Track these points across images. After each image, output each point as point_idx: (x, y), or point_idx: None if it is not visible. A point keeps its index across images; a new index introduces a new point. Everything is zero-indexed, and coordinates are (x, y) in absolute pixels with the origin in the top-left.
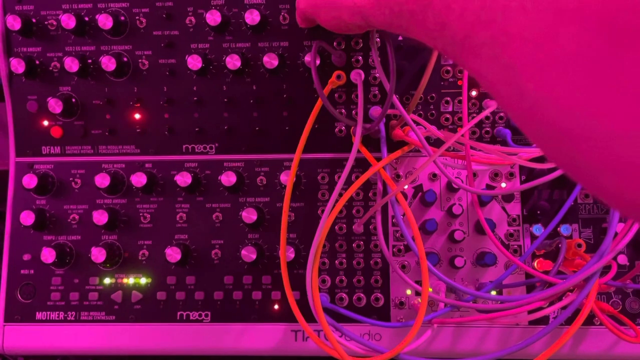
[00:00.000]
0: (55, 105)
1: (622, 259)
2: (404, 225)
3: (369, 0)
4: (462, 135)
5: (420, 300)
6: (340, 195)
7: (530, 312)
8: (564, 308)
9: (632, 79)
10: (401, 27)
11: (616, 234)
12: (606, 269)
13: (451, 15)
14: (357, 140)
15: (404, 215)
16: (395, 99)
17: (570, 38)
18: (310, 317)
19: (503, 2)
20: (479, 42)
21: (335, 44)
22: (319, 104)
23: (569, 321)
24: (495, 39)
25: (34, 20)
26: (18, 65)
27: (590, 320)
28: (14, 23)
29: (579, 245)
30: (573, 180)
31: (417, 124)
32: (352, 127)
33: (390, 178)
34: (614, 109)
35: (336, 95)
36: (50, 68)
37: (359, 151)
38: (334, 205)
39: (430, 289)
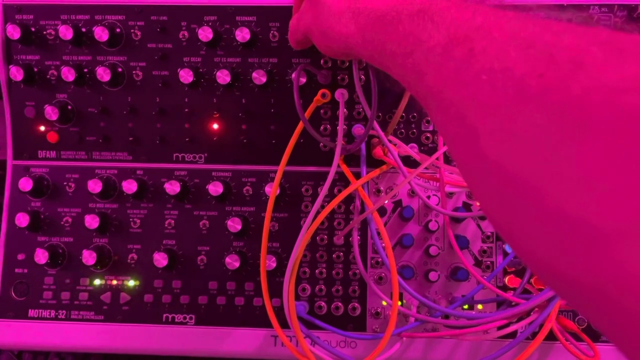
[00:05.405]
0: (51, 112)
1: None
2: (379, 243)
3: (355, 33)
4: (437, 159)
5: None
6: (322, 207)
7: (499, 328)
8: (530, 324)
9: (573, 165)
10: (381, 64)
11: None
12: None
13: (429, 68)
14: (336, 160)
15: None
16: (375, 124)
17: (528, 117)
18: (288, 324)
19: (476, 72)
20: (450, 100)
21: (322, 62)
22: (302, 123)
23: (535, 336)
24: (464, 102)
25: (33, 30)
26: (17, 73)
27: (555, 336)
28: (14, 32)
29: None
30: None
31: (395, 144)
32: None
33: (367, 196)
34: (553, 190)
35: (322, 111)
36: (48, 76)
37: (340, 166)
38: (313, 219)
39: (404, 302)
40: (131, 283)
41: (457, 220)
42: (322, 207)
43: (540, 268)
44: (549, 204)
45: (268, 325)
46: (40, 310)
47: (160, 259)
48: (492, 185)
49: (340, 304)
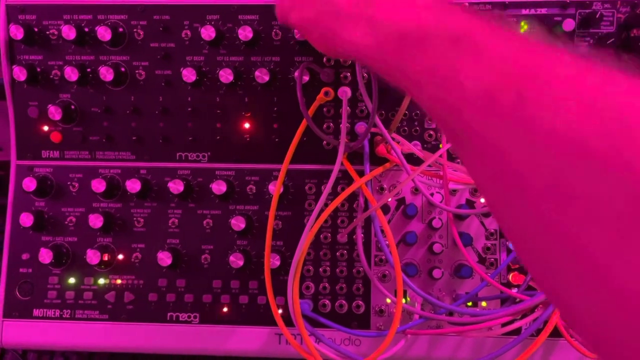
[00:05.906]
0: (55, 112)
1: None
2: (382, 240)
3: (372, 45)
4: (440, 156)
5: None
6: (326, 205)
7: (503, 325)
8: (534, 320)
9: None
10: (398, 81)
11: None
12: None
13: (468, 107)
14: (339, 158)
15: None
16: (378, 121)
17: (591, 184)
18: (293, 322)
19: (528, 121)
20: (490, 144)
21: (325, 60)
22: (305, 122)
23: (539, 332)
24: (510, 151)
25: (35, 30)
26: (20, 73)
27: (560, 333)
28: (17, 33)
29: None
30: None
31: (398, 142)
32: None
33: (370, 194)
34: (620, 269)
35: (325, 109)
36: (51, 76)
37: (343, 164)
38: (317, 217)
39: (408, 299)
40: (135, 282)
41: (460, 218)
42: (326, 205)
43: (594, 339)
44: (615, 282)
45: (272, 323)
46: (44, 310)
47: (164, 258)
48: (541, 242)
49: (344, 301)
